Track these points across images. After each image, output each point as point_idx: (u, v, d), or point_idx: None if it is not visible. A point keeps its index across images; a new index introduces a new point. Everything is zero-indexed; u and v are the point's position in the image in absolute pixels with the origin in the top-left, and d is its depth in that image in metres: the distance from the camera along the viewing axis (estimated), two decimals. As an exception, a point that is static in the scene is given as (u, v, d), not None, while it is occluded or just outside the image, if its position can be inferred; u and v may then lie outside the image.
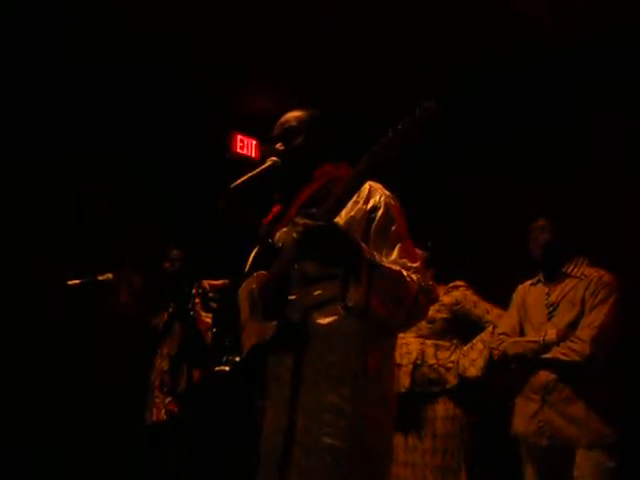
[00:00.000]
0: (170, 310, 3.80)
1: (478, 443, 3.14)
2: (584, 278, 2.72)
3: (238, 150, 5.04)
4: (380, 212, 1.71)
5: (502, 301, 3.17)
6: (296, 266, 1.69)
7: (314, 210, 1.54)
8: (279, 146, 1.90)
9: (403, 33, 3.95)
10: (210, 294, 1.76)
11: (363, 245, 1.59)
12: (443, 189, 4.65)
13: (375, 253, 1.61)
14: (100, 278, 3.49)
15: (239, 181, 1.80)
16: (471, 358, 3.10)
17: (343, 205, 1.58)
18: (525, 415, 2.72)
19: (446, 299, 3.25)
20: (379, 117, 2.24)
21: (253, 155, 5.10)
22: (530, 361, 2.71)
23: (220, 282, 1.80)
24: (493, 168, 4.45)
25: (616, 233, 3.70)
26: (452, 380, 3.12)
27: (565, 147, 4.08)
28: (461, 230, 4.34)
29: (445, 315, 3.23)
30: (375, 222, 1.71)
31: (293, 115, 1.94)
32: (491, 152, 4.48)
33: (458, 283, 3.33)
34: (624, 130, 3.87)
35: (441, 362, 3.15)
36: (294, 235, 1.53)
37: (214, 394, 3.36)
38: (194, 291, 3.68)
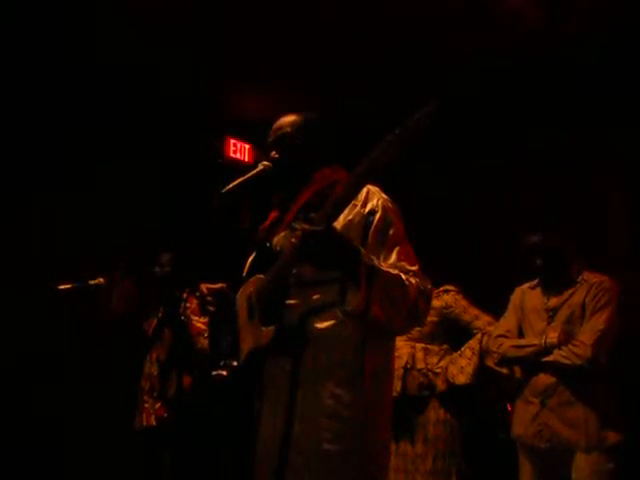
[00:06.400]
0: (160, 315, 3.78)
1: (469, 447, 3.14)
2: (584, 283, 2.73)
3: (231, 154, 5.04)
4: (378, 215, 1.71)
5: (491, 304, 3.18)
6: (294, 270, 1.69)
7: (312, 215, 1.54)
8: (274, 154, 1.89)
9: (402, 33, 3.95)
10: (208, 297, 1.76)
11: (361, 249, 1.59)
12: (430, 191, 4.67)
13: (373, 257, 1.61)
14: (91, 283, 3.46)
15: (230, 186, 1.80)
16: (459, 365, 3.10)
17: (341, 210, 1.58)
18: (524, 418, 2.72)
19: (436, 303, 3.24)
20: (378, 117, 2.24)
21: (246, 159, 5.10)
22: (531, 364, 2.72)
23: (218, 285, 1.80)
24: (484, 169, 4.48)
25: (600, 235, 3.74)
26: (441, 385, 3.11)
27: (556, 151, 4.12)
28: (450, 233, 4.36)
29: (434, 319, 3.22)
30: (373, 225, 1.71)
31: (287, 120, 1.93)
32: (483, 153, 4.52)
33: (448, 287, 3.33)
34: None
35: (430, 367, 3.15)
36: (292, 240, 1.53)
37: (209, 399, 3.34)
38: (184, 295, 3.67)
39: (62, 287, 3.34)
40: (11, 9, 3.71)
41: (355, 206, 1.72)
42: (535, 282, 2.92)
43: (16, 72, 4.01)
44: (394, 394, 3.06)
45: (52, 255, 3.87)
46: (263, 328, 1.72)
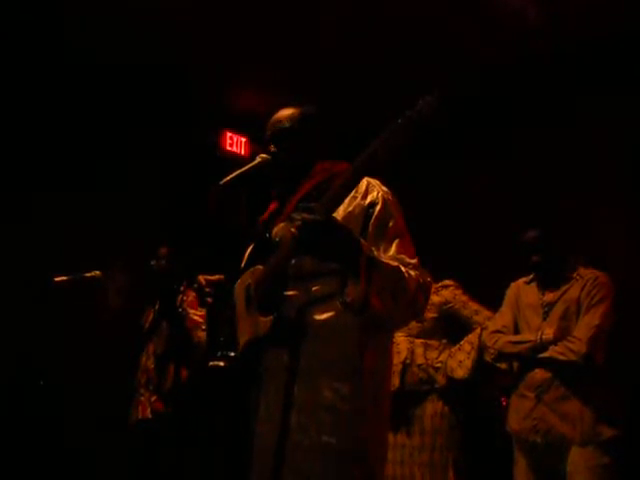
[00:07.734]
0: (157, 308, 3.77)
1: (466, 440, 3.15)
2: (580, 279, 2.73)
3: (227, 147, 5.04)
4: (378, 207, 1.71)
5: (489, 298, 3.18)
6: (293, 261, 1.68)
7: (312, 205, 1.53)
8: (271, 148, 1.88)
9: (401, 33, 3.95)
10: (206, 289, 1.75)
11: (362, 240, 1.58)
12: (430, 188, 4.67)
13: (373, 249, 1.61)
14: (87, 275, 3.45)
15: (228, 178, 1.79)
16: (458, 359, 3.10)
17: (341, 200, 1.57)
18: (520, 413, 2.72)
19: (435, 298, 3.25)
20: (376, 117, 2.24)
21: (242, 153, 5.10)
22: (526, 360, 2.72)
23: (215, 277, 1.79)
24: (483, 167, 4.48)
25: (600, 234, 3.74)
26: (441, 380, 3.12)
27: (556, 150, 4.12)
28: (449, 228, 4.36)
29: (434, 315, 3.23)
30: (373, 218, 1.70)
31: (285, 114, 1.92)
32: (479, 151, 4.52)
33: (447, 282, 3.33)
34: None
35: (430, 362, 3.15)
36: (292, 230, 1.52)
37: (206, 390, 3.35)
38: (182, 288, 3.66)
39: (58, 279, 3.33)
40: (11, 9, 3.70)
41: (355, 198, 1.72)
42: (530, 277, 2.92)
43: (16, 72, 4.01)
44: (392, 388, 3.05)
45: (50, 250, 3.87)
46: (261, 318, 1.71)
